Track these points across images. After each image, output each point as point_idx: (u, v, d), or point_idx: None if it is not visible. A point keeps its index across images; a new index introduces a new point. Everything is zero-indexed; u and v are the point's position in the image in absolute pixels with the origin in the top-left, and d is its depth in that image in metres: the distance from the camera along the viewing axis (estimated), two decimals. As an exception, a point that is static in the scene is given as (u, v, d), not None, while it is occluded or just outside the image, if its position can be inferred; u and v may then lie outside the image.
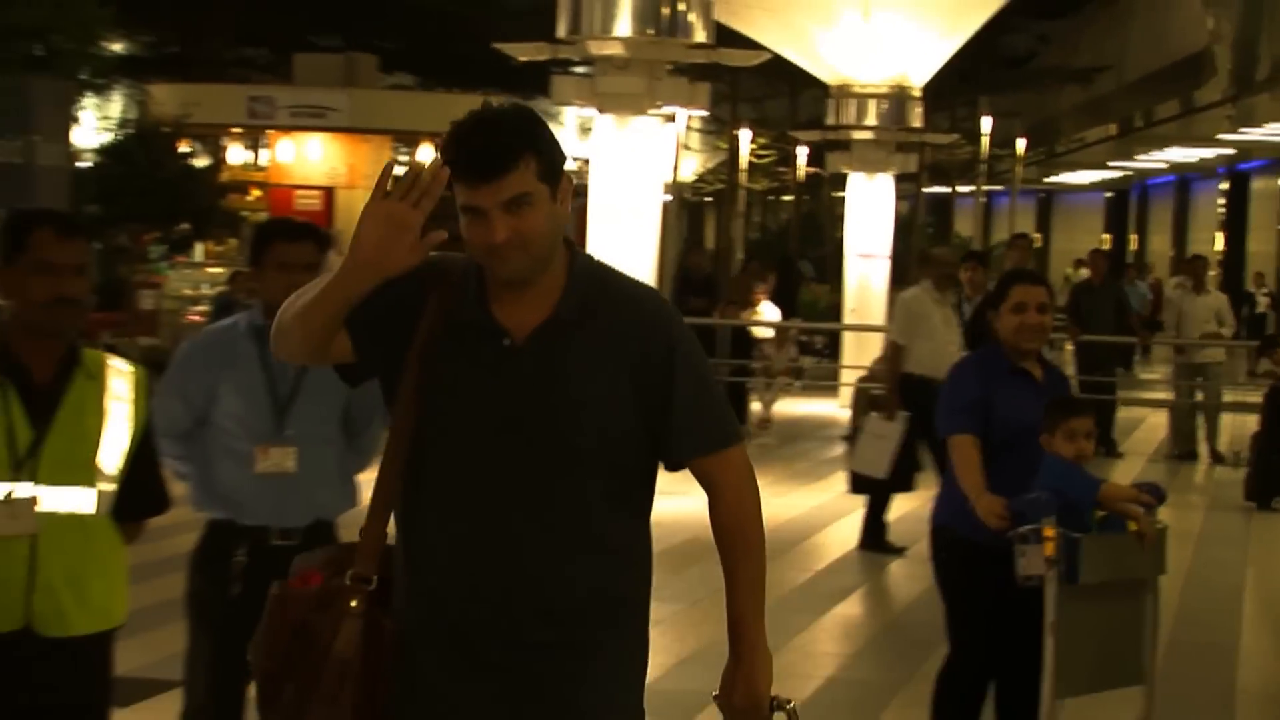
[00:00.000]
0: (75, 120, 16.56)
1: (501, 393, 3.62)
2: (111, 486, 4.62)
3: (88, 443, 4.58)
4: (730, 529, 3.76)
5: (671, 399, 3.67)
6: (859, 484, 13.13)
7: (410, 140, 31.04)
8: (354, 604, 3.61)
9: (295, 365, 5.28)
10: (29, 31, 17.08)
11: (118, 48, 25.29)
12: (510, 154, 3.53)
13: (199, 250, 28.51)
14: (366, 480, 4.27)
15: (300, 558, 3.83)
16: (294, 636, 3.63)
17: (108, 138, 25.32)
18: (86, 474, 4.55)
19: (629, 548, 3.76)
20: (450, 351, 3.64)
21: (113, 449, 4.60)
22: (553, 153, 3.61)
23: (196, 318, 23.15)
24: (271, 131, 30.28)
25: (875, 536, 13.02)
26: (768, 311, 21.12)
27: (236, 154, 30.47)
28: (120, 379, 4.65)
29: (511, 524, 3.61)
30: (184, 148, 26.16)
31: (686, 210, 42.73)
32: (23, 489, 4.47)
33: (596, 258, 3.78)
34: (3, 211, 5.09)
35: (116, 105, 26.76)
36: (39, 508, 4.48)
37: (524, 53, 17.42)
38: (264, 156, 30.61)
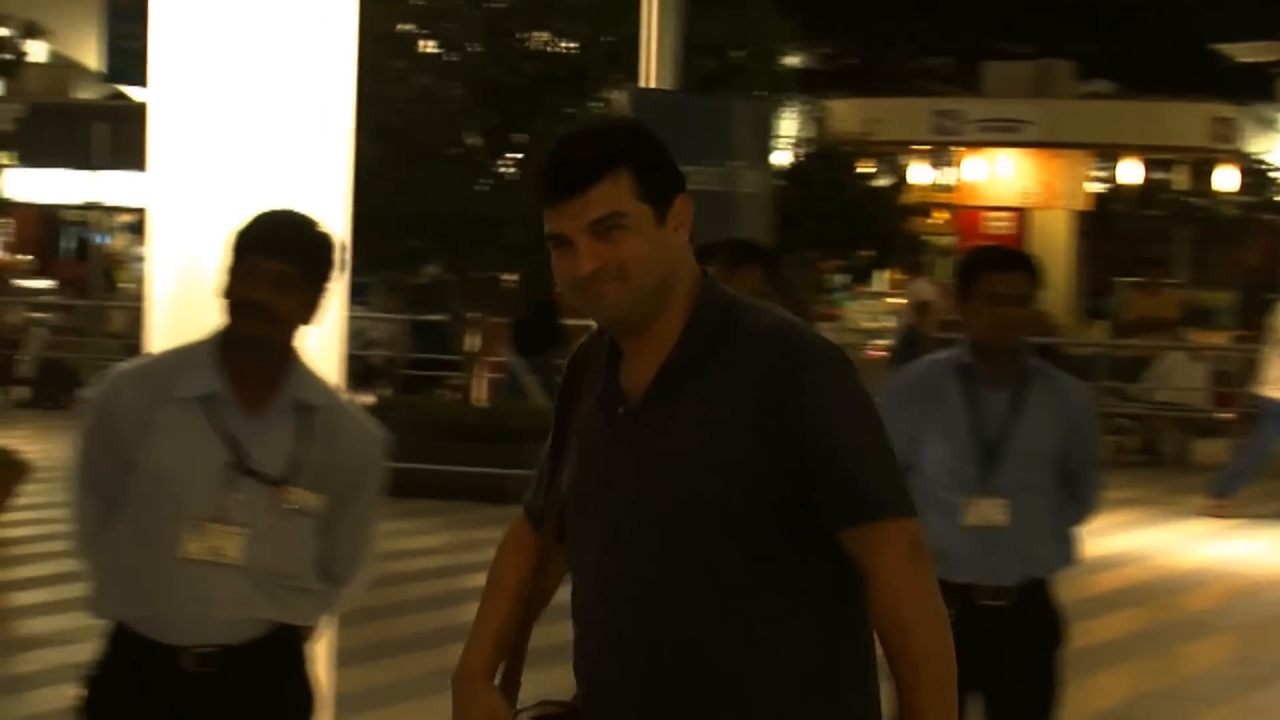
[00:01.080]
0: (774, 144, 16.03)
1: (620, 466, 3.23)
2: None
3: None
4: (886, 628, 3.11)
5: (806, 456, 3.11)
6: None
7: (1110, 155, 30.33)
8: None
9: (1005, 405, 5.38)
10: (707, 47, 16.61)
11: (793, 61, 24.50)
12: (595, 165, 3.10)
13: (879, 279, 28.16)
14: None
15: None
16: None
17: (784, 158, 24.53)
18: None
19: (783, 639, 3.15)
20: (584, 428, 3.33)
21: None
22: (658, 168, 3.15)
23: (877, 353, 22.55)
24: (958, 148, 30.13)
25: None
26: None
27: (920, 173, 30.27)
28: None
29: (638, 608, 3.19)
30: (863, 168, 25.28)
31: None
32: None
33: (731, 291, 3.30)
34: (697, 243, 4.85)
35: (792, 123, 26.01)
36: None
37: (1247, 53, 15.50)
38: (950, 175, 30.45)
